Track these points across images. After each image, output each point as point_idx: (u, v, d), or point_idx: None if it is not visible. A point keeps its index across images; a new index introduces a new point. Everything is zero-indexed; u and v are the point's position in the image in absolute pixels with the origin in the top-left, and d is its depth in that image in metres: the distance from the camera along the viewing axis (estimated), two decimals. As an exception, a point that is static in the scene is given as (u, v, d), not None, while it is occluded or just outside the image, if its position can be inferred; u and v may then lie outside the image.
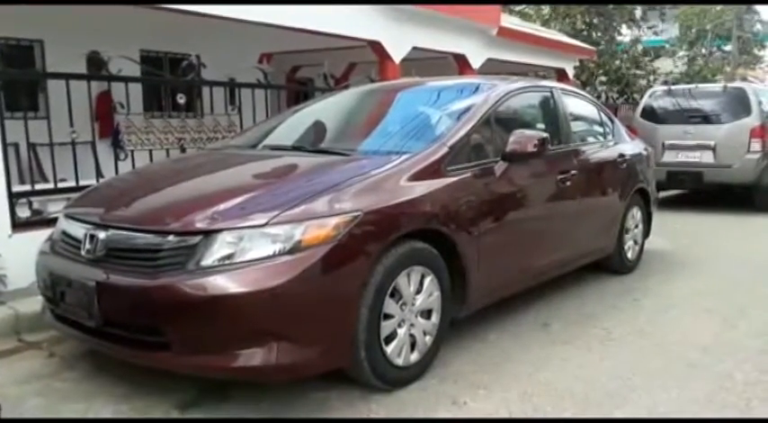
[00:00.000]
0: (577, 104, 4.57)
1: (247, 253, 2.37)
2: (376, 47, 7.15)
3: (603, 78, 16.20)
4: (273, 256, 2.37)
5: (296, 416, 2.53)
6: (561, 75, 11.61)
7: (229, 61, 6.28)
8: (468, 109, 3.42)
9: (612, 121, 5.01)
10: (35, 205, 4.23)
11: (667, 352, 3.20)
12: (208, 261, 2.37)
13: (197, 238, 2.41)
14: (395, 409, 2.58)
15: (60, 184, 4.29)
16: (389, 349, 2.66)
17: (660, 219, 5.75)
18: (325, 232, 2.43)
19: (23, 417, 2.52)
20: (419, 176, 2.89)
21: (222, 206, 2.53)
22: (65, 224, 2.94)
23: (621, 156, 4.71)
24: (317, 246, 2.40)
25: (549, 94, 4.18)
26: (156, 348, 2.44)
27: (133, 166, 4.46)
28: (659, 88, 8.85)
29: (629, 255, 4.85)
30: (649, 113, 8.39)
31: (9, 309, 3.42)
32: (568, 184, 3.88)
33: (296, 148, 3.46)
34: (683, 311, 3.87)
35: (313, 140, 3.64)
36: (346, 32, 6.57)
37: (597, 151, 4.47)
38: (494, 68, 10.13)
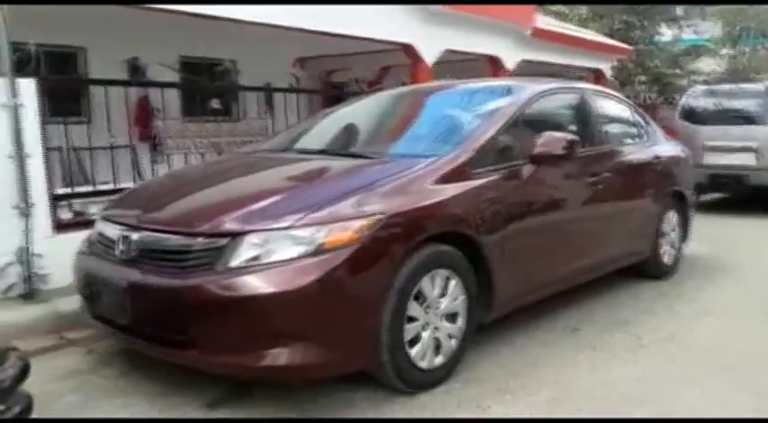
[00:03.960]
0: (610, 106, 4.51)
1: (273, 255, 2.42)
2: (408, 50, 7.18)
3: (643, 78, 15.87)
4: (298, 258, 2.41)
5: (319, 415, 2.56)
6: (598, 75, 11.43)
7: (265, 66, 6.40)
8: (495, 111, 3.41)
9: (647, 123, 4.92)
10: (77, 207, 4.39)
11: (699, 359, 3.13)
12: (235, 262, 2.43)
13: (225, 240, 2.47)
14: (417, 412, 2.59)
15: (100, 187, 4.44)
16: (413, 352, 2.67)
17: (701, 223, 5.61)
18: (348, 235, 2.46)
19: (59, 412, 2.62)
20: (444, 179, 2.90)
21: (249, 209, 2.59)
22: (101, 226, 3.05)
23: (656, 158, 4.63)
24: (341, 248, 2.43)
25: (579, 95, 4.14)
26: (184, 346, 2.51)
27: (169, 169, 4.58)
28: (699, 88, 8.64)
29: (666, 259, 4.74)
30: (689, 114, 8.19)
31: (51, 307, 3.56)
32: (600, 186, 3.83)
33: (323, 151, 3.50)
34: (718, 318, 3.78)
35: (341, 144, 3.68)
36: (378, 36, 6.61)
37: (630, 153, 4.40)
38: (529, 70, 10.05)
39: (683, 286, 4.50)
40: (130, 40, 7.13)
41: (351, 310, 2.48)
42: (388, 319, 2.55)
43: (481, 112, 3.49)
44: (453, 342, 2.87)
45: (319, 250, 2.42)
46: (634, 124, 4.74)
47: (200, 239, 2.52)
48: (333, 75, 10.66)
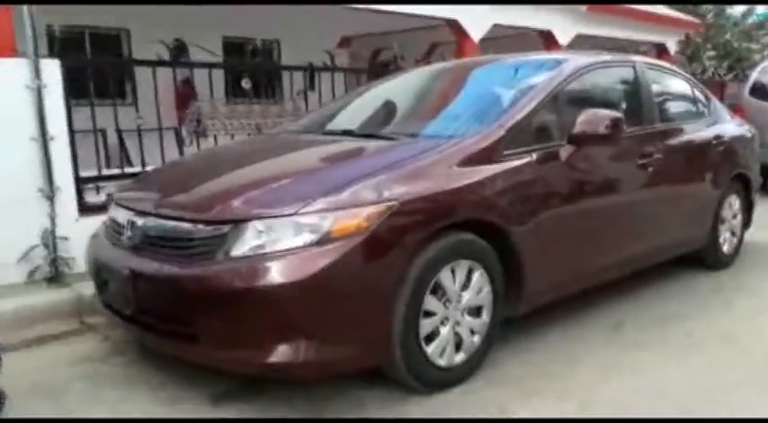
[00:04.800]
0: (666, 81, 4.13)
1: (276, 243, 2.24)
2: (453, 25, 6.87)
3: (712, 53, 14.89)
4: (302, 247, 2.23)
5: (328, 414, 2.40)
6: (661, 50, 10.75)
7: (309, 47, 6.21)
8: (532, 87, 3.12)
9: (709, 100, 4.49)
10: (111, 190, 4.35)
11: (757, 360, 2.80)
12: (237, 251, 2.27)
13: (227, 228, 2.31)
14: (433, 413, 2.39)
15: (128, 170, 4.39)
16: (430, 349, 2.46)
17: (765, 208, 5.13)
18: (356, 223, 2.26)
19: (65, 400, 2.55)
20: (470, 162, 2.66)
21: (254, 194, 2.43)
22: (113, 210, 2.96)
23: (718, 137, 4.21)
24: (348, 237, 2.24)
25: (630, 69, 3.78)
26: (186, 340, 2.38)
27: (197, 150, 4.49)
28: (772, 62, 7.96)
29: (725, 248, 4.34)
30: (760, 90, 7.54)
31: (73, 291, 3.52)
32: (650, 169, 3.49)
33: (347, 132, 3.30)
34: (782, 314, 3.41)
35: (365, 125, 3.46)
36: (420, 11, 6.33)
37: (688, 132, 4.01)
38: (585, 45, 9.51)
39: (743, 277, 4.11)
40: (173, 22, 7.10)
41: (359, 303, 2.28)
42: (402, 313, 2.34)
43: (517, 88, 3.20)
44: (476, 338, 2.65)
45: (325, 239, 2.23)
46: (693, 101, 4.33)
47: (201, 226, 2.37)
48: (381, 54, 10.40)
